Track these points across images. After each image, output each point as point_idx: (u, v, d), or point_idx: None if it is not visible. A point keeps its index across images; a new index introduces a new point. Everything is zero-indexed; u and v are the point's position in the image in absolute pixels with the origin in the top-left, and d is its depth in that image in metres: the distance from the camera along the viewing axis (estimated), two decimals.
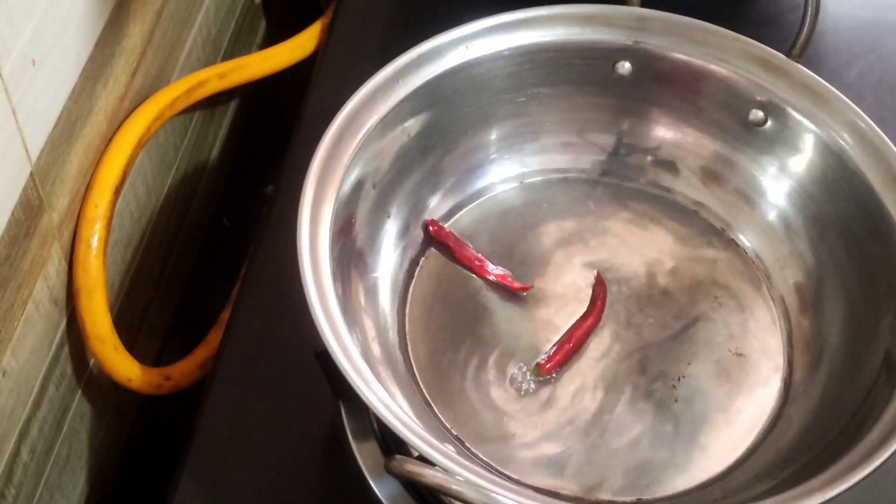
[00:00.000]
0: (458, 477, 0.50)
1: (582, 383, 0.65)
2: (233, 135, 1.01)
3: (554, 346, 0.66)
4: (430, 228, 0.70)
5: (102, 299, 0.72)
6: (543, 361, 0.66)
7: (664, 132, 0.73)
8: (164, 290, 0.89)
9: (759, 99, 0.69)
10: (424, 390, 0.65)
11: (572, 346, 0.66)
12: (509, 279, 0.69)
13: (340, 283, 0.60)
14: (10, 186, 0.62)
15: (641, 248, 0.71)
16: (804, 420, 0.63)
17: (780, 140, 0.69)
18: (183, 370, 0.80)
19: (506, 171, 0.74)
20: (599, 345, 0.67)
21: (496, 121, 0.72)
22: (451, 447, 0.58)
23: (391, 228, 0.69)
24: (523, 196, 0.74)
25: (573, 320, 0.68)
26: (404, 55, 0.67)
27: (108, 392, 0.80)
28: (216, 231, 0.99)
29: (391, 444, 0.61)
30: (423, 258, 0.70)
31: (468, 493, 0.50)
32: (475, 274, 0.70)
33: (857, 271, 0.65)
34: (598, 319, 0.68)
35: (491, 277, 0.69)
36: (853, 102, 0.66)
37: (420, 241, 0.71)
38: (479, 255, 0.70)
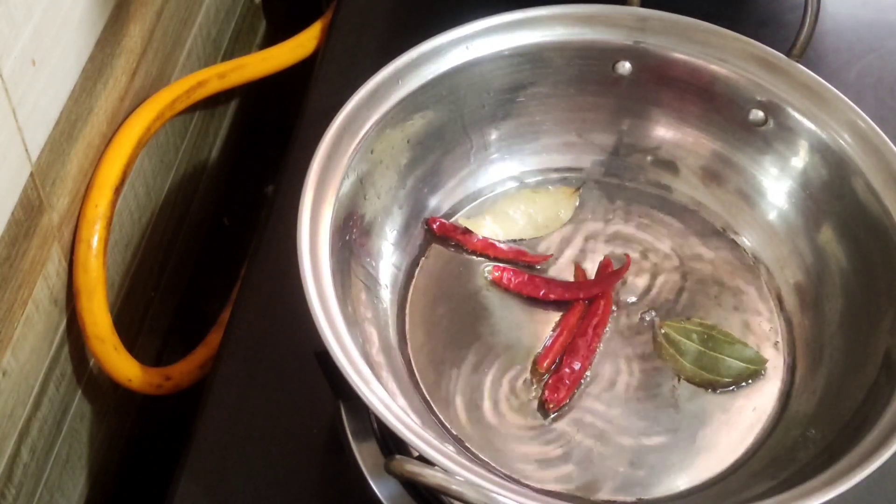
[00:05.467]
0: (458, 477, 0.50)
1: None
2: (233, 135, 1.01)
3: (549, 339, 0.67)
4: (434, 226, 0.70)
5: (102, 299, 0.72)
6: (539, 358, 0.66)
7: (664, 132, 0.73)
8: (164, 290, 0.89)
9: (759, 99, 0.69)
10: (424, 390, 0.65)
11: (565, 337, 0.66)
12: (524, 252, 0.70)
13: (340, 283, 0.60)
14: (10, 186, 0.62)
15: (641, 248, 0.71)
16: (804, 420, 0.63)
17: (780, 140, 0.69)
18: (183, 370, 0.80)
19: (506, 171, 0.74)
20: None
21: (496, 121, 0.72)
22: (451, 447, 0.58)
23: (391, 228, 0.69)
24: None
25: None
26: (404, 55, 0.67)
27: (108, 392, 0.80)
28: (216, 231, 0.99)
29: (391, 444, 0.61)
30: (423, 258, 0.70)
31: (468, 493, 0.50)
32: (488, 258, 0.70)
33: (857, 271, 0.65)
34: (582, 307, 0.68)
35: (505, 248, 0.70)
36: (853, 102, 0.66)
37: (420, 241, 0.71)
38: (487, 238, 0.70)
